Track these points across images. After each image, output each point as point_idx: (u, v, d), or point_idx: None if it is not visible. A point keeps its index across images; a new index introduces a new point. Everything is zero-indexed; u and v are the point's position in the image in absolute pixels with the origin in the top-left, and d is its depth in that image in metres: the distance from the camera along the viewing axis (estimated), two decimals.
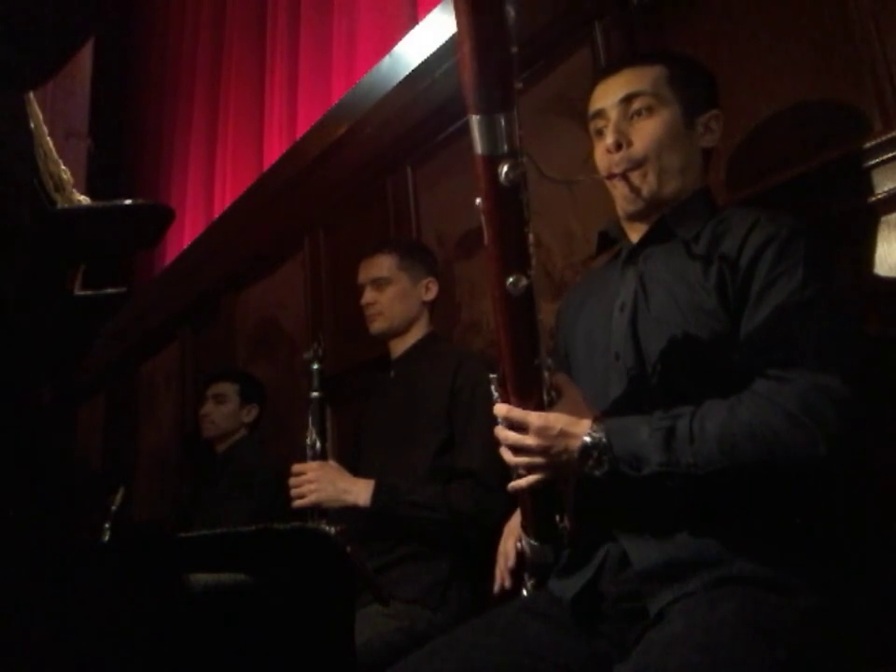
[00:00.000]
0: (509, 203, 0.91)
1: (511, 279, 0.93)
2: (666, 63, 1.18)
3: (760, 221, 1.06)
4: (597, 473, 0.98)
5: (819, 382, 0.93)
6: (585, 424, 0.99)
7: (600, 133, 1.19)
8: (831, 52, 1.32)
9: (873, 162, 1.23)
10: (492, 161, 0.89)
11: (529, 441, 1.00)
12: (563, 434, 0.99)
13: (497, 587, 1.25)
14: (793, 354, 0.96)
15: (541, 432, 0.99)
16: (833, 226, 1.26)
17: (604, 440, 0.98)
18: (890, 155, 1.21)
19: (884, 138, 1.22)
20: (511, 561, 1.23)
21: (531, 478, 1.03)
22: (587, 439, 0.98)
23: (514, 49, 0.85)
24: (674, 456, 0.94)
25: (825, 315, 0.98)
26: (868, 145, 1.23)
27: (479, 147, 0.89)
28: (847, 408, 0.92)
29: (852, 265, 1.23)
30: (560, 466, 1.00)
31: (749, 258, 1.03)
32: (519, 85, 0.87)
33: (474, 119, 0.88)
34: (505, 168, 0.88)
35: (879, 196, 1.22)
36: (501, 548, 1.28)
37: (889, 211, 1.21)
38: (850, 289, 1.21)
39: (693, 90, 1.17)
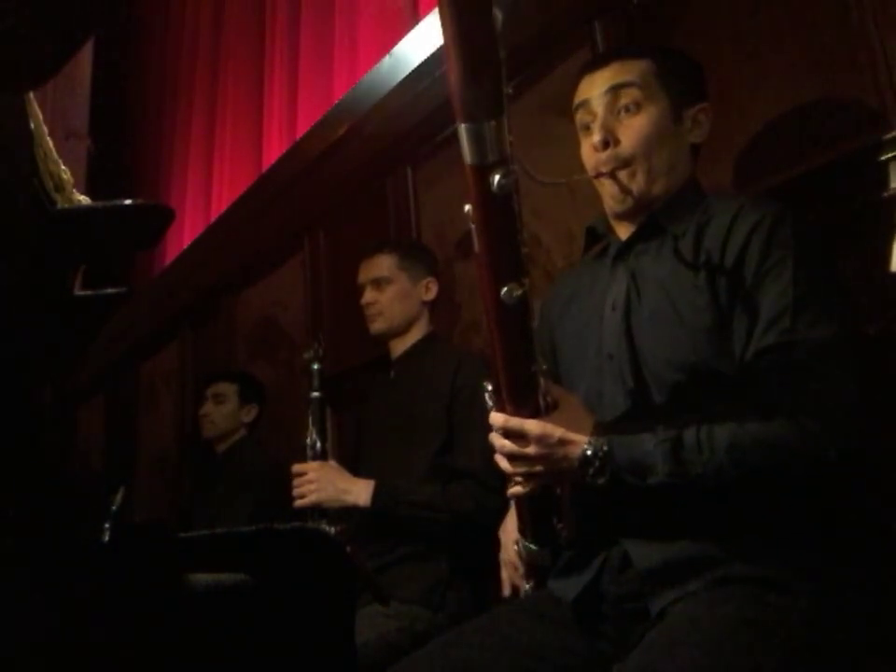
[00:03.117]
0: (501, 211, 0.88)
1: (505, 289, 0.91)
2: (654, 56, 1.15)
3: (743, 209, 1.04)
4: (600, 482, 0.97)
5: (824, 388, 0.93)
6: (585, 431, 0.99)
7: (587, 127, 1.16)
8: (832, 50, 1.32)
9: (879, 160, 1.23)
10: (482, 170, 0.86)
11: (528, 449, 0.98)
12: (562, 442, 0.97)
13: (506, 593, 1.24)
14: (795, 358, 0.95)
15: (540, 440, 0.97)
16: (839, 224, 1.26)
17: (605, 448, 0.97)
18: (890, 155, 1.21)
19: (883, 138, 1.22)
20: (521, 568, 1.21)
21: (529, 485, 1.02)
22: (587, 447, 0.97)
23: (503, 55, 0.82)
24: (682, 467, 0.94)
25: (822, 312, 0.97)
26: (871, 143, 1.23)
27: (468, 157, 0.86)
28: (854, 411, 0.93)
29: (860, 263, 1.23)
30: (559, 473, 1.00)
31: (736, 251, 1.02)
32: (509, 91, 0.84)
33: (462, 128, 0.85)
34: (497, 177, 0.85)
35: (883, 195, 1.22)
36: (505, 557, 1.26)
37: (888, 211, 1.21)
38: (857, 287, 1.21)
39: (681, 82, 1.15)
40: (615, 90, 1.12)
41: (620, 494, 1.02)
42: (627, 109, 1.12)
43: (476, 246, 0.93)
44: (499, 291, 0.91)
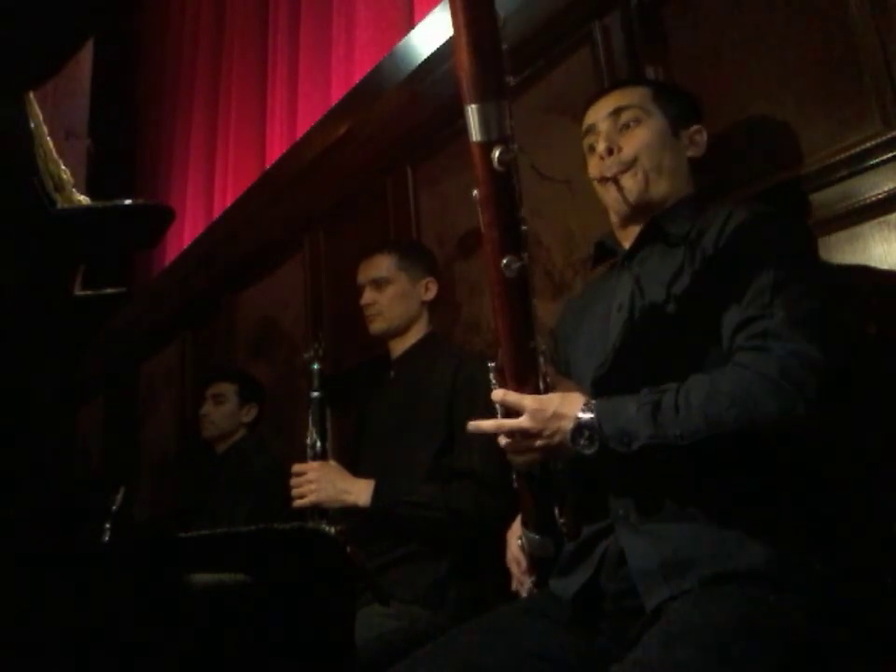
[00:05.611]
0: (502, 186, 0.98)
1: (505, 261, 0.99)
2: (650, 85, 1.30)
3: (738, 208, 1.12)
4: (587, 452, 1.00)
5: (796, 349, 0.96)
6: (577, 405, 1.02)
7: (592, 148, 1.27)
8: (831, 52, 1.32)
9: (872, 162, 1.23)
10: (486, 146, 0.96)
11: (524, 423, 1.02)
12: (556, 415, 1.01)
13: (524, 593, 1.23)
14: (771, 326, 0.99)
15: (535, 414, 1.02)
16: (832, 226, 1.26)
17: (594, 419, 1.00)
18: (890, 155, 1.21)
19: (883, 138, 1.22)
20: (524, 564, 1.23)
21: (527, 458, 1.06)
22: (580, 416, 1.00)
23: (505, 46, 0.93)
24: (660, 429, 0.97)
25: (802, 290, 1.01)
26: (868, 145, 1.23)
27: (474, 135, 0.96)
28: (824, 373, 0.95)
29: (852, 265, 1.24)
30: (554, 448, 1.03)
31: (727, 244, 1.08)
32: (510, 79, 0.94)
33: (470, 109, 0.95)
34: (497, 152, 0.95)
35: (879, 196, 1.22)
36: (510, 555, 1.27)
37: (888, 211, 1.22)
38: (849, 289, 1.22)
39: (676, 106, 1.26)
40: (617, 112, 1.24)
41: (617, 489, 1.04)
42: (628, 125, 1.23)
43: (482, 224, 1.01)
44: (500, 263, 0.99)
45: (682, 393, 0.98)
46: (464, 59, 0.93)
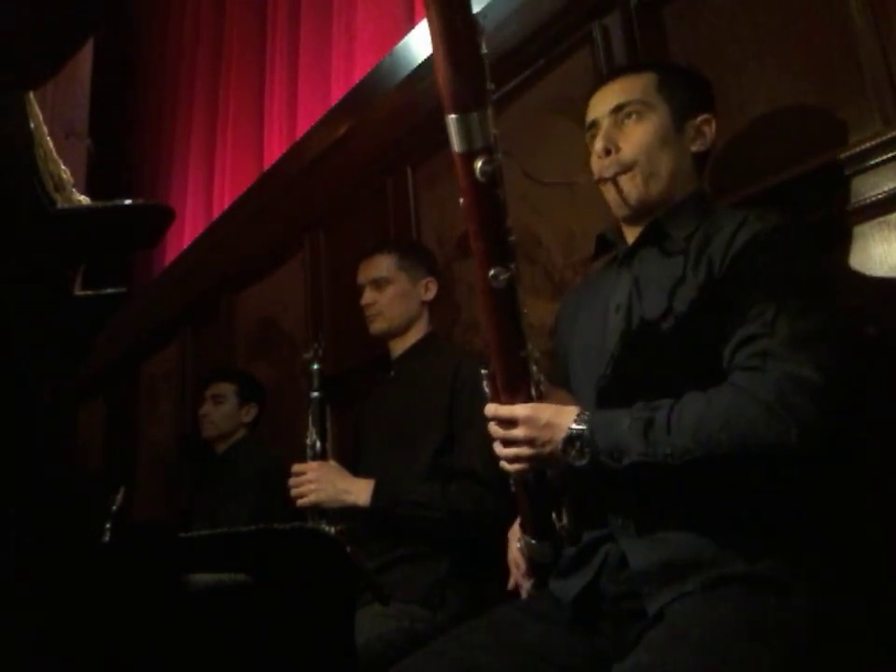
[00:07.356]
0: (486, 197, 0.95)
1: (492, 272, 0.97)
2: (657, 70, 1.22)
3: (748, 219, 1.07)
4: (577, 464, 0.99)
5: (794, 372, 0.93)
6: (571, 415, 1.00)
7: (594, 140, 1.23)
8: (830, 52, 1.32)
9: (872, 162, 1.23)
10: (468, 157, 0.93)
11: (517, 432, 1.01)
12: (549, 425, 1.00)
13: (523, 594, 1.23)
14: (772, 345, 0.97)
15: (528, 422, 1.01)
16: (832, 226, 1.26)
17: (586, 431, 0.98)
18: (890, 155, 1.21)
19: (883, 138, 1.22)
20: (524, 566, 1.22)
21: (519, 466, 1.04)
22: (572, 427, 0.99)
23: (485, 51, 0.90)
24: (651, 447, 0.95)
25: (805, 309, 0.98)
26: (868, 145, 1.23)
27: (456, 146, 0.93)
28: (822, 398, 0.92)
29: (851, 266, 1.24)
30: (545, 458, 1.02)
31: (735, 254, 1.05)
32: (491, 86, 0.91)
33: (450, 119, 0.92)
34: (479, 163, 0.92)
35: (879, 196, 1.22)
36: (510, 556, 1.27)
37: (888, 211, 1.21)
38: (849, 290, 1.22)
39: (683, 93, 1.20)
40: (619, 108, 1.19)
41: (617, 491, 1.03)
42: (629, 115, 1.18)
43: (469, 235, 0.99)
44: (487, 274, 0.97)
45: (676, 411, 0.96)
46: (442, 68, 0.91)
